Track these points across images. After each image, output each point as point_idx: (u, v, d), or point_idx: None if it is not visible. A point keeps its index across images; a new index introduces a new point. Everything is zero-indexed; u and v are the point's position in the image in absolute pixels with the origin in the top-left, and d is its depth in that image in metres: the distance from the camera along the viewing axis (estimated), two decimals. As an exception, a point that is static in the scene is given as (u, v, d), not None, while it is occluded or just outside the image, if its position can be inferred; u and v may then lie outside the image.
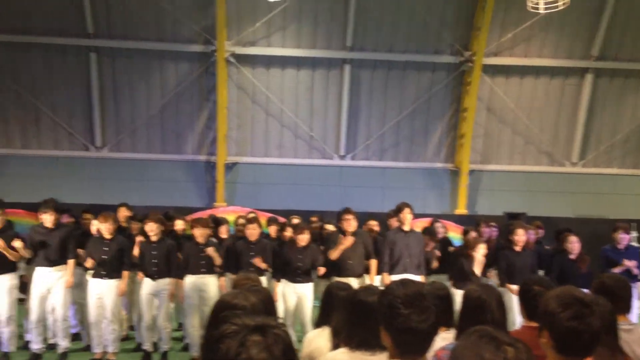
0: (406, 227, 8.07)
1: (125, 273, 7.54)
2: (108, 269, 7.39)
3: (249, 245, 7.83)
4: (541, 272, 8.04)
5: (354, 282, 7.10)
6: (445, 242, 9.53)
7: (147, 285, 7.57)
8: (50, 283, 7.36)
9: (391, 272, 7.85)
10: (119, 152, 15.02)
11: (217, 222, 9.18)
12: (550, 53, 15.13)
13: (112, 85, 14.68)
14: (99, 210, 8.04)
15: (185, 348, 8.22)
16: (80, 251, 7.59)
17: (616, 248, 8.38)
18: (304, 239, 7.66)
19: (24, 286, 7.89)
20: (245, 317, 1.47)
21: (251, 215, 9.77)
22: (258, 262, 7.64)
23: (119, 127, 14.92)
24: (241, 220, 9.29)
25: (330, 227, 9.01)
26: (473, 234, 8.72)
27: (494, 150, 15.78)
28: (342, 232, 7.90)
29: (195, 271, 7.59)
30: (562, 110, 15.57)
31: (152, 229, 7.55)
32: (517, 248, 7.85)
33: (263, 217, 9.95)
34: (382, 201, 13.81)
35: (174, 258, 7.66)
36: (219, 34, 14.05)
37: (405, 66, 14.97)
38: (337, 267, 7.73)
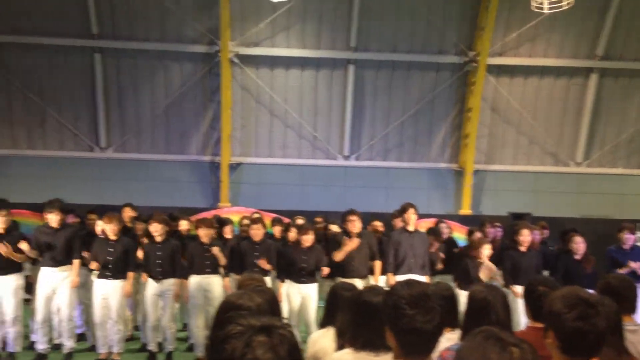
0: (410, 228, 8.06)
1: (130, 274, 7.55)
2: (113, 270, 7.40)
3: (253, 246, 7.85)
4: (546, 273, 8.03)
5: (359, 283, 7.09)
6: (450, 242, 9.52)
7: (152, 286, 7.58)
8: (56, 283, 7.38)
9: (396, 273, 7.84)
10: (123, 152, 15.06)
11: (221, 222, 9.20)
12: (555, 53, 15.09)
13: (116, 86, 14.72)
14: (103, 211, 8.06)
15: (190, 348, 8.22)
16: (85, 254, 7.61)
17: (621, 248, 8.36)
18: (308, 239, 7.65)
19: (29, 286, 7.91)
20: (251, 318, 1.48)
21: (255, 215, 9.77)
22: (262, 263, 7.64)
23: (123, 127, 14.96)
24: (245, 221, 9.30)
25: (334, 228, 9.00)
26: (478, 235, 8.70)
27: (499, 151, 15.75)
28: (346, 233, 7.89)
29: (200, 271, 7.61)
30: (567, 110, 15.53)
31: (157, 229, 7.55)
32: (522, 248, 7.84)
33: (267, 218, 9.95)
34: (386, 201, 13.81)
35: (179, 258, 7.67)
36: (223, 35, 14.07)
37: (409, 66, 14.96)
38: (341, 269, 7.72)
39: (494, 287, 3.39)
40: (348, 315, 3.03)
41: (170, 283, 7.58)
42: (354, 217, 7.85)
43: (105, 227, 7.47)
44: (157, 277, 7.55)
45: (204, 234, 7.66)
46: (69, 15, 14.02)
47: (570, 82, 15.38)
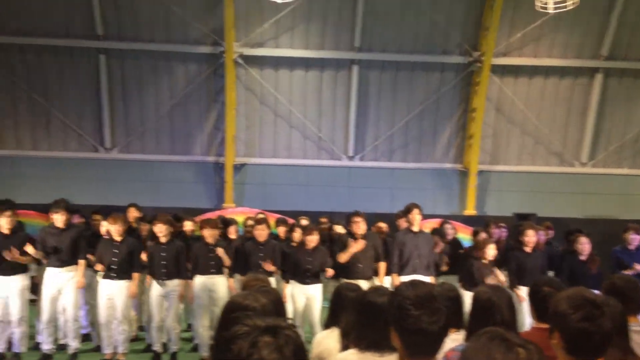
0: (415, 228, 8.06)
1: (136, 275, 7.57)
2: (118, 271, 7.42)
3: (258, 246, 7.85)
4: (551, 273, 8.00)
5: (364, 285, 7.07)
6: (455, 243, 9.50)
7: (156, 287, 7.60)
8: (61, 284, 7.40)
9: (400, 273, 7.84)
10: (128, 153, 15.08)
11: (226, 223, 9.20)
12: (560, 53, 15.05)
13: (121, 87, 14.75)
14: (108, 212, 8.07)
15: (195, 349, 8.23)
16: (90, 256, 7.62)
17: (627, 249, 8.35)
18: (313, 240, 7.65)
19: (35, 287, 7.94)
20: (256, 318, 1.48)
21: (260, 216, 9.78)
22: (267, 266, 7.65)
23: (128, 128, 14.99)
24: (250, 221, 9.31)
25: (339, 228, 9.00)
26: (483, 235, 8.68)
27: (503, 151, 15.72)
28: (351, 234, 7.89)
29: (205, 272, 7.62)
30: (572, 110, 15.48)
31: (161, 230, 7.57)
32: (527, 249, 7.83)
33: (272, 218, 9.96)
34: (391, 202, 13.79)
35: (183, 259, 7.68)
36: (227, 36, 14.08)
37: (413, 67, 14.95)
38: (346, 270, 7.71)
39: (499, 288, 3.39)
40: (353, 315, 3.03)
41: (175, 284, 7.60)
42: (358, 219, 7.84)
43: (110, 228, 7.48)
44: (161, 278, 7.56)
45: (209, 235, 7.67)
46: (74, 16, 14.06)
47: (575, 82, 15.34)
